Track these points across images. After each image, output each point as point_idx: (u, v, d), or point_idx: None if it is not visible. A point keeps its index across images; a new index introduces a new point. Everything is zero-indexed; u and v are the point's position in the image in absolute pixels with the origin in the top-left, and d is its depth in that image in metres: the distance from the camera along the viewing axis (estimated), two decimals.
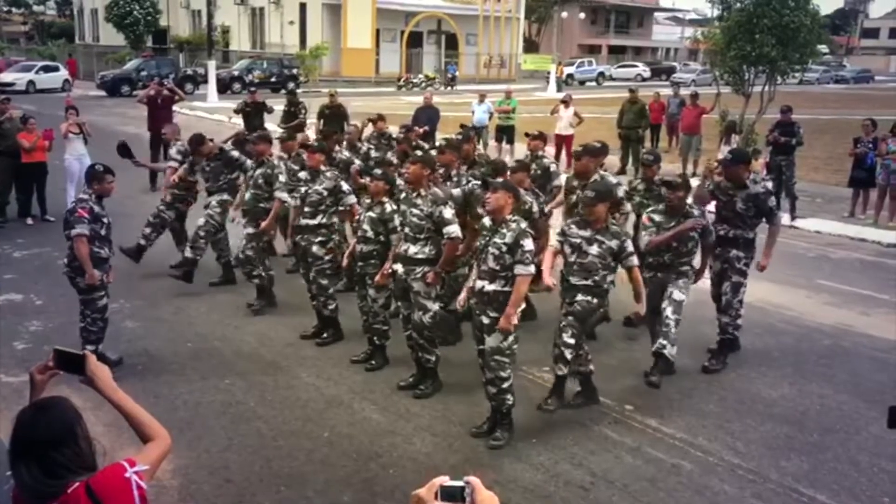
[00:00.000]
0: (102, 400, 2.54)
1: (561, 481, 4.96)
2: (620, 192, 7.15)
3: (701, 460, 5.27)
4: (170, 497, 4.69)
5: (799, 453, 5.41)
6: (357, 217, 6.77)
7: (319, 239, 6.88)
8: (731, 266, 6.60)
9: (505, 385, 5.26)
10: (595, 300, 5.56)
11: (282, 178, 7.65)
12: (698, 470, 5.14)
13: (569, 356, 5.46)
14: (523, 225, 5.18)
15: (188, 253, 8.35)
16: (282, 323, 7.42)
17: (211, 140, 8.22)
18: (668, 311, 6.06)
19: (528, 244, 5.09)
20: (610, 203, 5.77)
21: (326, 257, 6.92)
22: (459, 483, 1.71)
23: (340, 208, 7.01)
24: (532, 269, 5.11)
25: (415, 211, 5.87)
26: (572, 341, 5.46)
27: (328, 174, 7.02)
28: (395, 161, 8.04)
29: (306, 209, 6.90)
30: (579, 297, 5.55)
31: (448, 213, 5.86)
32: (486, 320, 5.25)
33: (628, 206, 7.28)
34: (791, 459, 5.32)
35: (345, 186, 7.05)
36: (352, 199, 7.05)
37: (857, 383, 6.56)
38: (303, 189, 6.99)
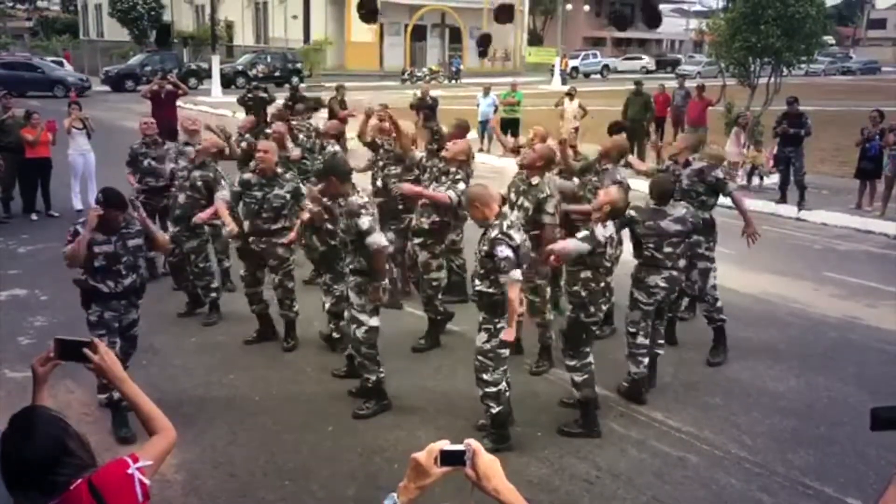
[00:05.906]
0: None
1: (566, 474, 4.95)
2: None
3: (707, 453, 5.25)
4: (174, 492, 4.69)
5: (806, 446, 5.38)
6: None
7: (282, 241, 6.60)
8: (695, 253, 6.47)
9: (489, 390, 5.07)
10: (581, 311, 5.36)
11: (224, 179, 7.21)
12: (704, 463, 5.13)
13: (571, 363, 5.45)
14: (494, 233, 4.85)
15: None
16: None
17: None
18: None
19: (502, 251, 4.76)
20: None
21: (291, 257, 6.73)
22: (460, 447, 1.71)
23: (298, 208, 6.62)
24: (516, 274, 4.78)
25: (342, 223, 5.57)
26: (572, 363, 5.42)
27: (287, 175, 6.76)
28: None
29: (266, 214, 6.55)
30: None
31: (365, 222, 5.33)
32: (479, 318, 5.18)
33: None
34: (798, 452, 5.30)
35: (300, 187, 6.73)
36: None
37: (863, 376, 6.53)
38: (257, 194, 6.55)
